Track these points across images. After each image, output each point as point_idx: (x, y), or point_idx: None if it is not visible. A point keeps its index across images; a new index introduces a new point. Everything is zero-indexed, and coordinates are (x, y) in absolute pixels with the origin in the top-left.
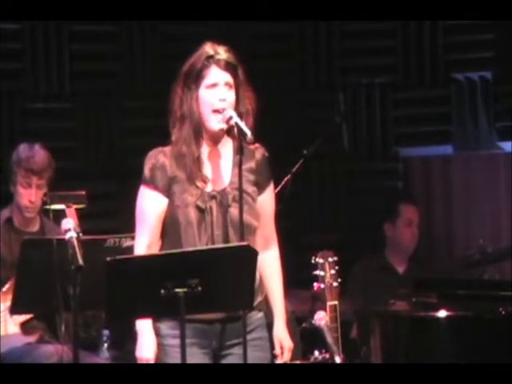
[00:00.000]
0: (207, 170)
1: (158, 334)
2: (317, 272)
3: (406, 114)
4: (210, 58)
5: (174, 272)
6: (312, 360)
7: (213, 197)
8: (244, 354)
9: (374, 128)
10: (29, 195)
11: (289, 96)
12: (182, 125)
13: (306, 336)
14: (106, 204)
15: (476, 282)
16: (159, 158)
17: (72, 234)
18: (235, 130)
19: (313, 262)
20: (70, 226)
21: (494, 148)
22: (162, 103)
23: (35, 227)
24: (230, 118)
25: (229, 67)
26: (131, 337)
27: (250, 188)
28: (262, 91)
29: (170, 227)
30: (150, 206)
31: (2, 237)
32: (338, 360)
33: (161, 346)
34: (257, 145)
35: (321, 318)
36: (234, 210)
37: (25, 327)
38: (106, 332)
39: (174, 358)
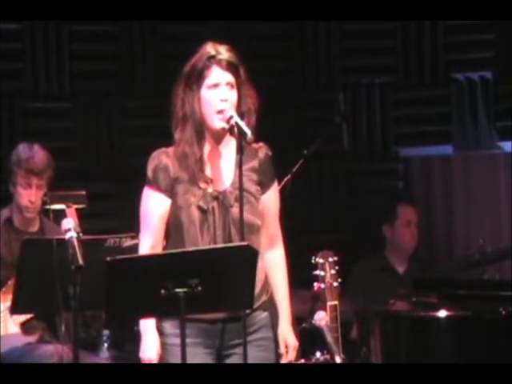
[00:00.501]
0: (210, 170)
1: (161, 332)
2: (317, 272)
3: (406, 114)
4: (211, 58)
5: (175, 272)
6: (313, 361)
7: (215, 197)
8: (244, 354)
9: (373, 128)
10: (29, 195)
11: (289, 96)
12: (184, 126)
13: (306, 336)
14: (106, 204)
15: (476, 281)
16: (162, 158)
17: (72, 234)
18: (235, 129)
19: (313, 261)
20: (70, 225)
21: (494, 148)
22: (162, 103)
23: (35, 227)
24: (231, 117)
25: (230, 67)
26: (131, 337)
27: (252, 187)
28: (262, 91)
29: (173, 228)
30: (154, 206)
31: (1, 237)
32: (338, 360)
33: (164, 345)
34: (261, 144)
35: (321, 318)
36: (236, 210)
37: (25, 327)
38: (106, 332)
39: (177, 357)
